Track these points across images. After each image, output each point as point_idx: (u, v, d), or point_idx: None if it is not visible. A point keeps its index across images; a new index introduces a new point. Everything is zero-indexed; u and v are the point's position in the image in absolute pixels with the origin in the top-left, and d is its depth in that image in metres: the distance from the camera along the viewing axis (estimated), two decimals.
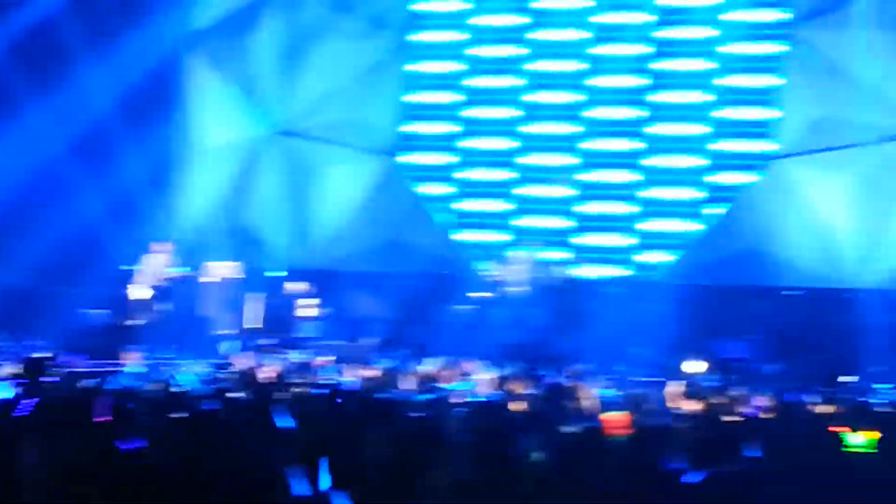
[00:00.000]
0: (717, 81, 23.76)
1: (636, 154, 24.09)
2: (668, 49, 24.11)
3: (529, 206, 24.66)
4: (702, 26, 23.97)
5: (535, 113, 24.86)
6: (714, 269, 22.48)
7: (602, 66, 24.48)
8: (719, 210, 23.35)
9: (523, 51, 25.04)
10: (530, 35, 25.03)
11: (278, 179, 25.67)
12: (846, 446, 12.79)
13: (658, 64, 24.13)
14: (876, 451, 13.28)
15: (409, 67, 25.60)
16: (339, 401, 12.45)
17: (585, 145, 24.45)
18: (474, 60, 25.32)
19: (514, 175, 24.86)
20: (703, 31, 23.97)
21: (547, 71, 24.85)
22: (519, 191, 24.77)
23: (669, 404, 14.08)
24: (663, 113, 24.04)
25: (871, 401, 16.18)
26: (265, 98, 25.87)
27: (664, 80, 24.07)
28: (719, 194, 23.48)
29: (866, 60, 22.37)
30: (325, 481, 8.77)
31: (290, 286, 22.54)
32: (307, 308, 22.34)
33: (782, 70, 23.21)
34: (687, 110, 23.87)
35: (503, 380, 15.21)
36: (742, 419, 13.73)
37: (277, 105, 25.83)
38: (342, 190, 25.30)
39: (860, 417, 14.10)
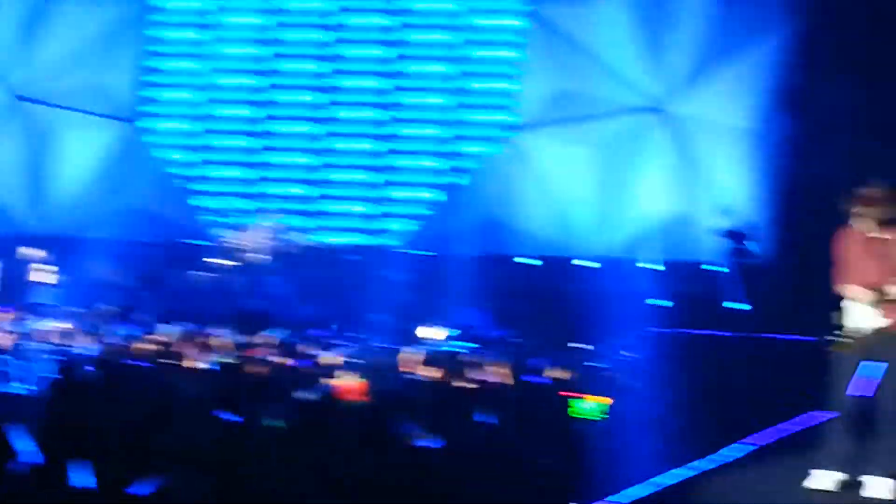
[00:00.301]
0: (459, 54, 23.97)
1: (380, 123, 24.15)
2: (412, 21, 24.23)
3: (272, 173, 24.48)
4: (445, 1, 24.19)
5: (280, 82, 24.68)
6: (454, 238, 22.69)
7: (348, 35, 24.45)
8: (460, 180, 23.59)
9: (269, 21, 24.79)
10: (276, 5, 24.80)
11: (15, 144, 24.89)
12: (578, 412, 13.16)
13: (402, 36, 24.23)
14: (605, 416, 13.70)
15: (151, 33, 25.10)
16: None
17: (330, 114, 24.38)
18: (218, 28, 24.96)
19: (256, 144, 24.63)
20: (446, 5, 24.16)
21: (293, 39, 24.68)
22: (261, 159, 24.56)
23: (406, 370, 14.20)
24: (407, 83, 24.15)
25: (602, 367, 16.66)
26: (2, 62, 25.03)
27: (408, 52, 24.19)
28: (461, 164, 23.72)
29: (604, 35, 22.84)
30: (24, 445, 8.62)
31: (26, 251, 21.91)
32: (43, 274, 21.75)
33: (522, 44, 23.55)
34: (430, 81, 24.04)
35: (243, 346, 15.11)
36: (477, 385, 13.95)
37: (15, 69, 25.04)
38: (81, 156, 24.68)
39: (594, 384, 14.51)
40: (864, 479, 8.93)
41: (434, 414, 11.96)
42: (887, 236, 8.94)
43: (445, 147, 23.90)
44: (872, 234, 8.95)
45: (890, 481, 8.89)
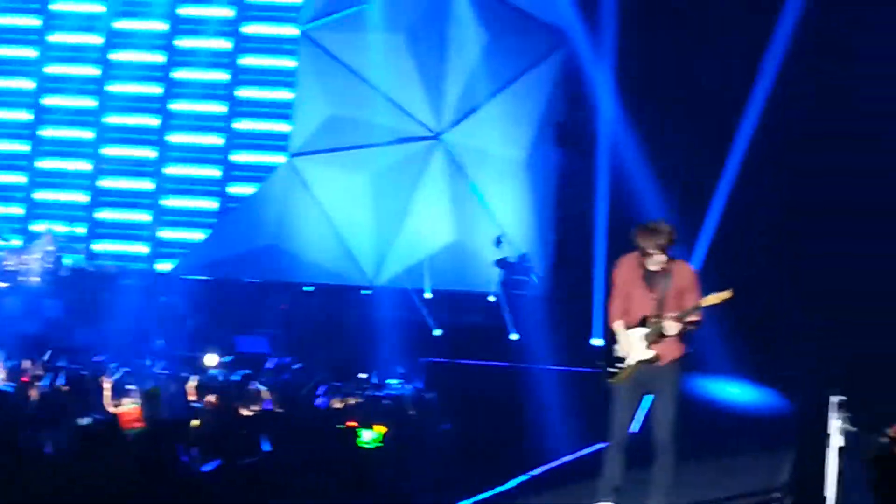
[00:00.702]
0: (235, 93, 23.87)
1: (156, 129, 23.87)
2: (187, 28, 24.03)
3: (46, 179, 23.93)
4: (217, 38, 24.02)
5: (55, 85, 24.10)
6: (232, 264, 22.49)
7: (122, 42, 24.04)
8: (236, 188, 23.45)
9: (40, 23, 24.21)
10: (53, 7, 24.21)
11: None
12: (359, 442, 13.22)
13: (177, 42, 24.01)
14: (382, 444, 13.79)
15: None
16: None
17: (107, 120, 23.94)
18: None
19: (28, 148, 24.05)
20: (218, 43, 24.02)
21: (68, 43, 24.13)
22: (37, 164, 23.97)
23: (187, 397, 14.05)
24: (182, 90, 23.93)
25: (381, 395, 16.76)
26: None
27: (184, 58, 23.96)
28: (236, 173, 23.60)
29: (378, 63, 22.90)
30: None
31: None
32: None
33: (296, 77, 23.46)
34: (203, 120, 23.87)
35: (17, 371, 14.69)
36: (258, 412, 13.89)
37: None
38: None
39: (371, 412, 14.58)
40: None
41: (215, 441, 11.88)
42: (657, 269, 9.20)
43: (223, 172, 23.75)
44: (644, 267, 9.21)
45: None
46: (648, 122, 20.15)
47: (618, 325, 9.30)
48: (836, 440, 11.22)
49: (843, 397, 12.90)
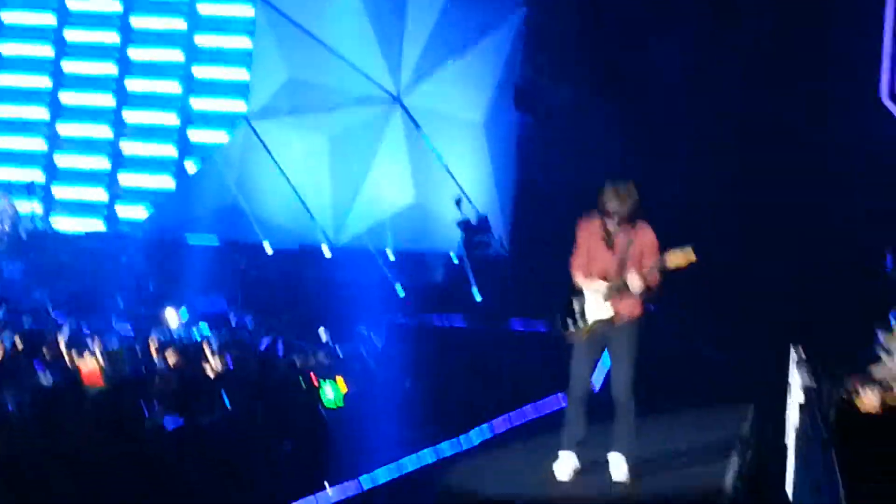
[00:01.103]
0: (191, 41, 23.69)
1: (111, 110, 23.69)
2: (142, 6, 23.84)
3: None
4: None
5: (4, 63, 23.88)
6: (192, 224, 22.41)
7: (76, 20, 23.86)
8: (195, 167, 23.36)
9: None
10: None
11: None
12: (323, 401, 13.27)
13: (132, 21, 23.81)
14: (343, 403, 13.84)
15: None
16: None
17: (61, 98, 23.77)
18: None
19: None
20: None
21: (18, 24, 23.93)
22: None
23: (149, 355, 14.05)
24: (138, 69, 23.77)
25: (342, 354, 16.79)
26: None
27: (139, 37, 23.78)
28: (195, 151, 23.50)
29: (335, 25, 22.80)
30: None
31: None
32: None
33: (252, 32, 23.35)
34: (161, 68, 23.70)
35: None
36: (219, 371, 13.90)
37: None
38: None
39: (333, 371, 14.62)
40: (609, 463, 9.32)
41: (179, 400, 11.90)
42: (620, 231, 9.28)
43: (178, 133, 23.62)
44: (605, 228, 9.28)
45: (624, 464, 9.29)
46: (608, 86, 20.17)
47: (581, 281, 9.39)
48: (796, 393, 11.35)
49: (804, 350, 13.05)
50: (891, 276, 14.70)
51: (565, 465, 9.35)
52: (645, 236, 9.36)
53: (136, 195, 23.55)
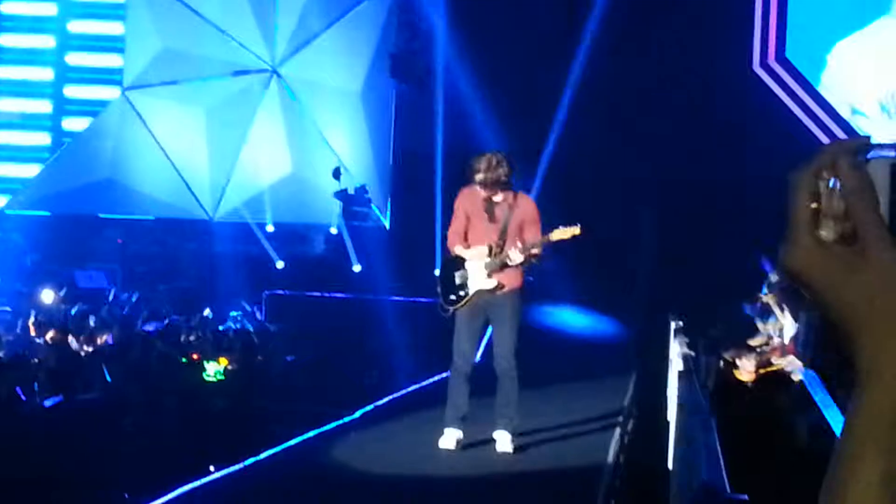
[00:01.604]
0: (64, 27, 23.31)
1: None
2: None
3: None
4: None
5: None
6: (68, 198, 22.06)
7: None
8: (69, 122, 22.98)
9: None
10: None
11: None
12: (205, 376, 13.17)
13: (2, 7, 23.32)
14: (224, 377, 13.76)
15: None
16: None
17: None
18: None
19: None
20: None
21: None
22: None
23: (27, 333, 13.84)
24: (8, 57, 23.30)
25: (223, 328, 16.70)
26: None
27: (7, 24, 23.32)
28: (69, 107, 23.12)
29: None
30: None
31: None
32: None
33: (126, 4, 23.00)
34: (34, 55, 23.29)
35: None
36: (98, 347, 13.74)
37: None
38: None
39: (214, 345, 14.52)
40: (493, 436, 9.31)
41: (55, 377, 11.74)
42: (499, 201, 9.22)
43: (54, 104, 23.23)
44: (485, 198, 9.21)
45: (508, 437, 9.29)
46: (484, 52, 20.17)
47: (459, 251, 9.31)
48: (676, 364, 11.51)
49: (682, 322, 13.24)
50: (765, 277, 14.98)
51: (449, 440, 9.30)
52: (525, 207, 9.25)
53: (10, 153, 23.14)
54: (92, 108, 23.07)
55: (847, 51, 20.24)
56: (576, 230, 9.12)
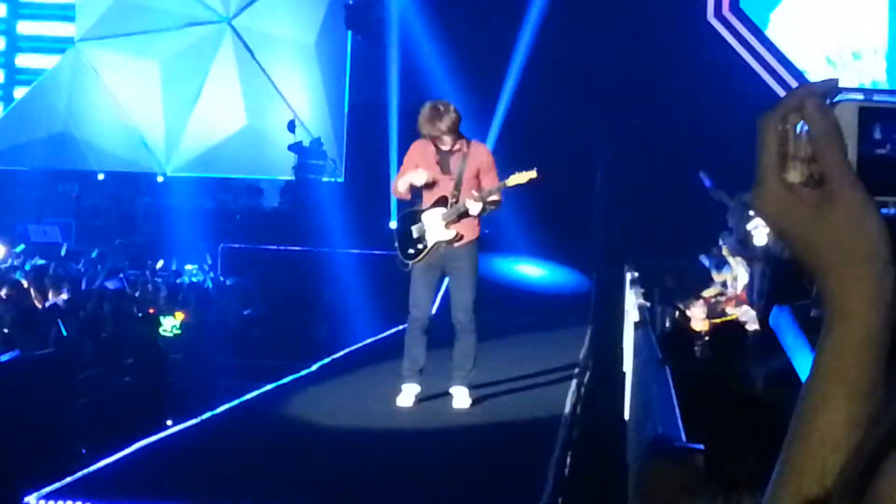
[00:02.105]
0: None
1: None
2: None
3: None
4: None
5: None
6: (21, 152, 21.90)
7: None
8: (21, 91, 22.77)
9: None
10: None
11: None
12: (161, 331, 13.13)
13: None
14: (181, 331, 13.74)
15: None
16: None
17: None
18: None
19: None
20: None
21: None
22: None
23: None
24: None
25: (178, 282, 16.64)
26: None
27: None
28: (21, 77, 22.90)
29: None
30: None
31: None
32: None
33: None
34: None
35: None
36: (53, 302, 13.67)
37: None
38: None
39: (170, 300, 14.48)
40: (450, 390, 9.29)
41: (13, 331, 11.67)
42: (452, 150, 9.11)
43: (4, 57, 22.98)
44: (438, 149, 9.09)
45: (465, 391, 9.28)
46: (437, 4, 20.10)
47: (401, 184, 9.14)
48: (632, 315, 11.58)
49: (638, 272, 13.32)
50: (712, 193, 15.02)
51: (407, 397, 9.26)
52: (479, 154, 9.08)
53: None
54: (46, 46, 22.87)
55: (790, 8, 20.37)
56: (532, 174, 9.04)
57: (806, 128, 1.31)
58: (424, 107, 9.01)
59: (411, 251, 9.17)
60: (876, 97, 1.37)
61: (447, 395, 9.25)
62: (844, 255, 1.28)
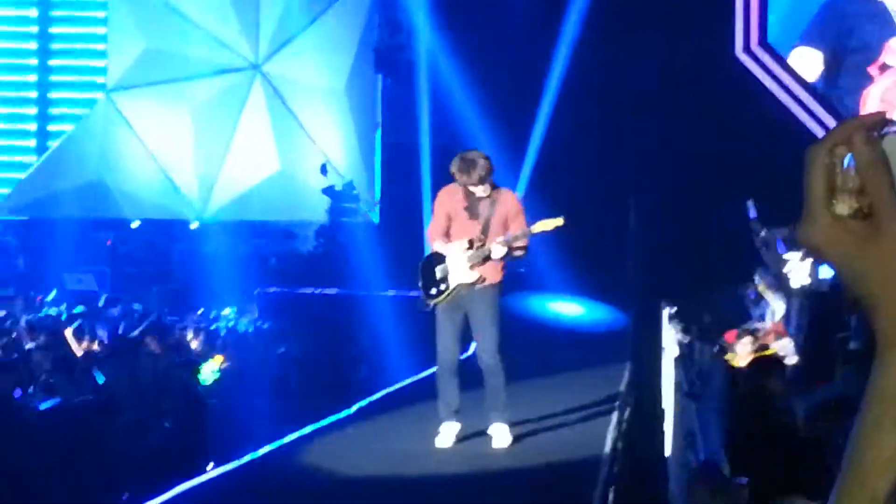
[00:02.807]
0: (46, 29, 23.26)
1: None
2: None
3: None
4: None
5: None
6: (55, 201, 22.02)
7: None
8: (55, 144, 22.93)
9: None
10: None
11: None
12: (199, 378, 13.16)
13: None
14: (219, 376, 13.76)
15: None
16: None
17: None
18: None
19: None
20: None
21: None
22: None
23: (21, 336, 13.82)
24: None
25: (216, 328, 16.68)
26: None
27: None
28: (56, 128, 23.09)
29: None
30: None
31: None
32: None
33: (107, 5, 22.93)
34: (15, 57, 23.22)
35: None
36: (91, 349, 13.73)
37: None
38: None
39: (208, 345, 14.51)
40: (489, 430, 9.28)
41: (52, 379, 11.72)
42: (482, 197, 9.20)
43: (40, 110, 23.18)
44: (467, 195, 9.18)
45: (505, 427, 9.28)
46: (468, 44, 20.16)
47: (442, 248, 9.26)
48: (670, 350, 11.55)
49: (675, 308, 13.28)
50: (753, 226, 14.97)
51: (447, 437, 9.26)
52: (507, 201, 9.21)
53: None
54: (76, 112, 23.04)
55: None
56: (559, 221, 9.17)
57: (854, 160, 1.31)
58: (456, 157, 9.14)
59: (433, 291, 9.24)
60: None
61: (486, 435, 9.24)
62: (893, 284, 1.27)
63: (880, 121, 1.33)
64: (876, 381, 1.28)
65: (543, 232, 9.25)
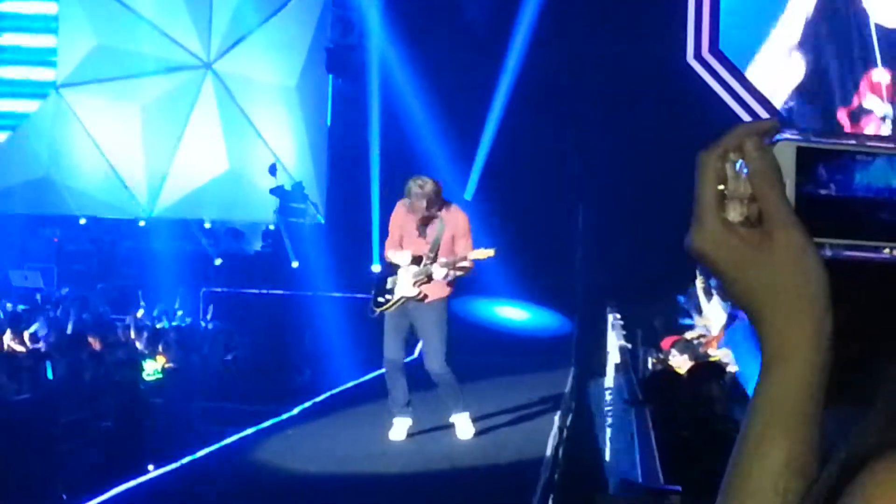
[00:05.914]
0: None
1: None
2: None
3: None
4: None
5: None
6: (2, 197, 21.80)
7: None
8: (1, 137, 22.75)
9: None
10: None
11: None
12: (144, 375, 13.11)
13: None
14: (162, 375, 13.72)
15: None
16: None
17: None
18: None
19: None
20: None
21: None
22: None
23: None
24: None
25: (160, 327, 16.59)
26: None
27: None
28: (1, 122, 22.88)
29: None
30: None
31: None
32: None
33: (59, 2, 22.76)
34: None
35: None
36: (34, 347, 13.65)
37: None
38: None
39: (152, 344, 14.45)
40: (451, 419, 9.57)
41: None
42: (430, 216, 9.48)
43: None
44: (417, 214, 9.48)
45: (466, 415, 9.59)
46: (419, 46, 20.14)
47: (395, 259, 9.61)
48: (613, 355, 11.60)
49: (620, 314, 13.33)
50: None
51: (399, 430, 9.61)
52: (456, 220, 9.61)
53: None
54: (24, 90, 22.85)
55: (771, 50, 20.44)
56: (490, 252, 9.54)
57: (745, 167, 1.30)
58: (409, 181, 9.56)
59: (381, 300, 9.75)
60: (814, 138, 1.37)
61: (431, 431, 9.49)
62: (783, 296, 1.26)
63: (772, 127, 1.32)
64: (764, 392, 1.26)
65: (478, 259, 9.48)
